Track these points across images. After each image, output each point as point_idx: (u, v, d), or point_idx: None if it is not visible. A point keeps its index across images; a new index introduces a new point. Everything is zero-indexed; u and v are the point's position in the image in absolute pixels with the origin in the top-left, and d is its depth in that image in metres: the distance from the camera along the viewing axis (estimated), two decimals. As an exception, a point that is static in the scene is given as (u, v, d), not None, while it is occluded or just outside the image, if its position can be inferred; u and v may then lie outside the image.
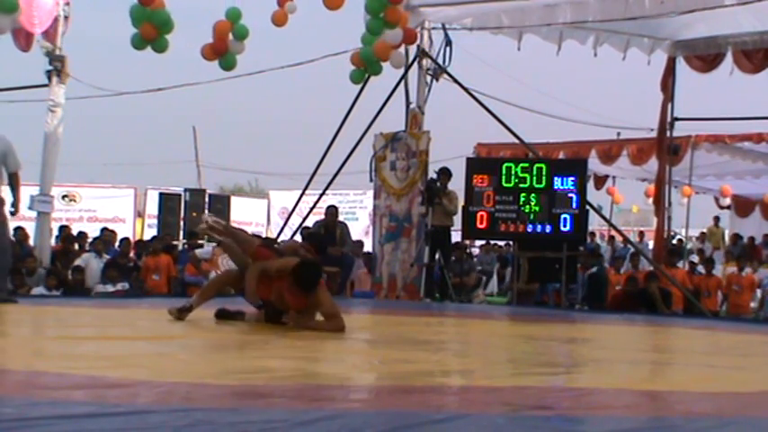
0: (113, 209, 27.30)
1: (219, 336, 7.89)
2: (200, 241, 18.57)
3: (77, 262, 15.41)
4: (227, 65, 13.68)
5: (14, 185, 10.27)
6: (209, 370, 5.80)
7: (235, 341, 7.58)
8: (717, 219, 27.72)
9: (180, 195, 24.90)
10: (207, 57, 13.88)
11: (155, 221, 25.11)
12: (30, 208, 15.47)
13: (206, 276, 15.11)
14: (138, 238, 22.99)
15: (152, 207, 26.24)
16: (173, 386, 5.00)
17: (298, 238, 17.58)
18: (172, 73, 19.39)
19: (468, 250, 19.94)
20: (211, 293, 8.98)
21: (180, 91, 18.25)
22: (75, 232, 18.71)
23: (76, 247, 17.18)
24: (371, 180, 15.98)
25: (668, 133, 17.06)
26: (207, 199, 25.28)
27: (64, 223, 20.48)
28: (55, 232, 17.82)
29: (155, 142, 66.88)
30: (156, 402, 4.49)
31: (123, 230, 23.07)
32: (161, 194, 25.10)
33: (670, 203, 18.03)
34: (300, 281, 8.03)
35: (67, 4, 14.91)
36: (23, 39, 14.28)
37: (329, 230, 15.12)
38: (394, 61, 14.10)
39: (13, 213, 10.46)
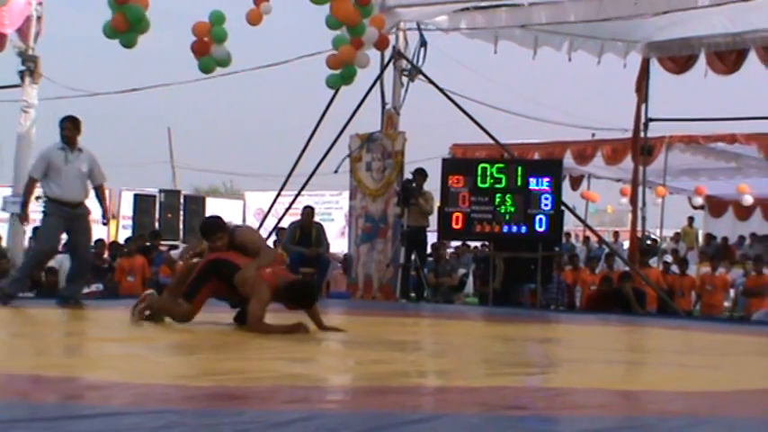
0: (87, 209, 27.05)
1: (194, 337, 7.86)
2: (174, 242, 18.57)
3: (51, 263, 15.31)
4: (206, 67, 13.61)
5: (101, 197, 10.95)
6: (184, 371, 5.78)
7: (210, 342, 7.55)
8: (691, 219, 27.87)
9: (155, 196, 24.80)
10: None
11: (129, 222, 25.01)
12: (2, 209, 15.39)
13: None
14: (112, 239, 22.86)
15: (126, 208, 26.09)
16: (147, 388, 4.98)
17: (273, 238, 17.61)
18: (147, 74, 19.36)
19: (454, 251, 19.98)
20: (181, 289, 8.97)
21: (155, 92, 18.23)
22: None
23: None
24: (336, 171, 15.98)
25: (642, 134, 17.14)
26: (182, 200, 25.19)
27: (37, 224, 20.32)
28: (28, 234, 17.69)
29: (129, 143, 66.67)
30: (131, 404, 4.47)
31: (98, 232, 22.90)
32: (136, 195, 24.99)
33: (644, 204, 18.11)
34: (298, 301, 8.15)
35: (40, 3, 14.84)
36: (-5, 39, 14.21)
37: (305, 231, 15.10)
38: (359, 61, 14.09)
39: (104, 224, 11.44)
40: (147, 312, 8.49)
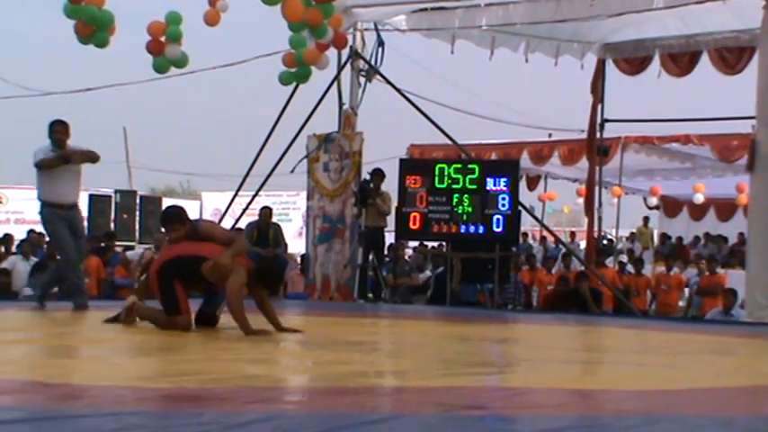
0: (41, 211, 26.83)
1: (150, 338, 7.81)
2: (130, 243, 18.44)
3: (4, 264, 15.20)
4: (160, 67, 13.54)
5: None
6: (141, 373, 5.74)
7: (166, 344, 7.50)
8: (646, 219, 28.12)
9: (111, 197, 24.67)
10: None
11: (85, 223, 24.73)
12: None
13: (136, 279, 14.97)
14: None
15: (82, 208, 25.83)
16: (103, 390, 4.94)
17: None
18: (102, 73, 19.18)
19: (415, 251, 19.95)
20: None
21: (110, 91, 18.08)
22: (1, 234, 18.41)
23: (2, 249, 16.91)
24: (292, 171, 15.98)
25: (598, 134, 17.26)
26: (138, 200, 25.07)
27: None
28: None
29: (84, 143, 65.98)
30: (87, 406, 4.43)
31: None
32: (91, 196, 24.75)
33: (600, 204, 18.25)
34: (268, 284, 8.19)
35: (-6, 3, 14.69)
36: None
37: (262, 231, 15.06)
38: (321, 64, 14.08)
39: None
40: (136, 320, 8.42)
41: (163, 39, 13.41)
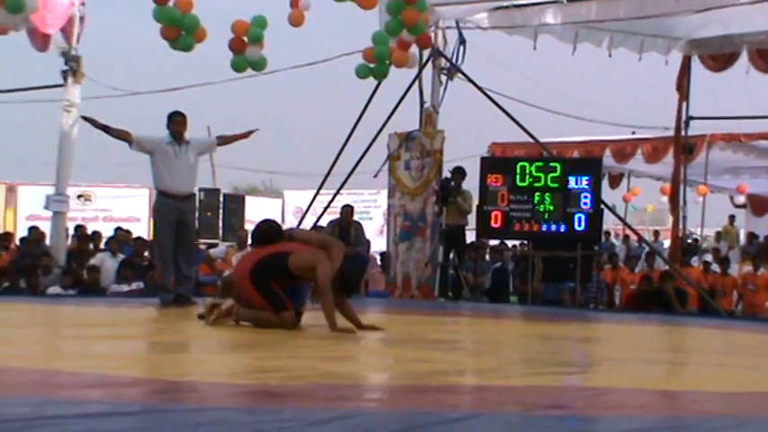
0: (128, 208, 27.36)
1: (234, 335, 7.91)
2: (214, 241, 18.64)
3: (92, 261, 15.46)
4: (238, 66, 13.67)
5: (233, 137, 11.37)
6: (224, 369, 5.81)
7: (249, 341, 7.59)
8: (732, 217, 27.64)
9: (194, 195, 24.93)
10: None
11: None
12: (45, 207, 15.55)
13: (220, 275, 15.15)
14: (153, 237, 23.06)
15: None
16: (187, 385, 5.02)
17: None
18: (187, 73, 19.42)
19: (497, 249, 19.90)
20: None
21: (195, 91, 18.31)
22: (90, 232, 18.76)
23: (91, 246, 17.23)
24: (375, 176, 16.04)
25: (683, 132, 17.04)
26: (221, 198, 25.35)
27: (79, 223, 20.54)
28: (71, 232, 17.88)
29: (170, 142, 66.88)
30: (171, 401, 4.51)
31: (138, 230, 23.15)
32: (176, 194, 25.11)
33: (685, 202, 18.01)
34: (345, 285, 8.18)
35: (83, 4, 14.98)
36: (39, 39, 14.35)
37: (344, 229, 15.14)
38: (410, 63, 14.10)
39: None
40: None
41: (245, 38, 13.54)
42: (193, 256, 11.52)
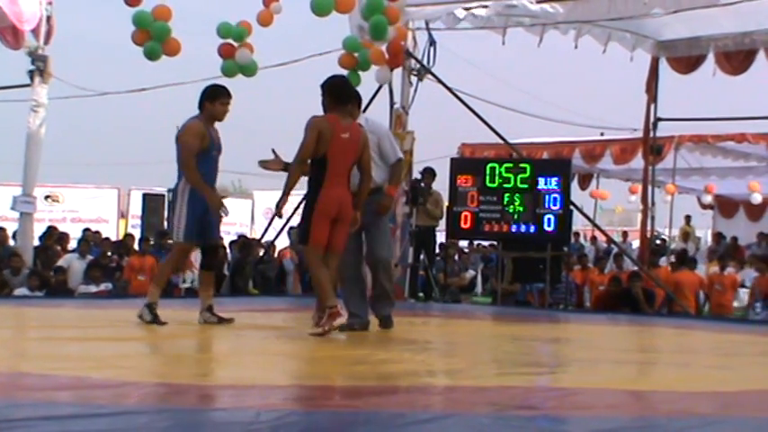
0: (97, 209, 27.18)
1: (205, 336, 7.90)
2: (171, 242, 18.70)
3: (60, 263, 15.38)
4: (229, 71, 13.44)
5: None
6: (194, 371, 5.80)
7: (219, 344, 7.59)
8: (688, 217, 27.74)
9: (163, 196, 24.83)
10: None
11: (138, 222, 25.05)
12: (12, 208, 15.42)
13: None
14: (121, 238, 22.95)
15: (135, 207, 26.16)
16: (157, 387, 5.01)
17: (284, 238, 17.63)
18: (156, 73, 19.33)
19: (464, 251, 19.97)
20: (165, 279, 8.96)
21: (163, 91, 18.18)
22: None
23: (59, 248, 17.13)
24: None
25: (652, 133, 17.14)
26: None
27: (47, 224, 20.39)
28: (38, 233, 17.76)
29: (138, 142, 66.72)
30: (141, 403, 4.49)
31: (107, 231, 23.00)
32: (144, 195, 25.04)
33: (654, 203, 18.10)
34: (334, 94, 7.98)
35: (50, 3, 14.86)
36: (11, 36, 14.24)
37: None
38: (379, 76, 14.03)
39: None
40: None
41: (235, 42, 13.40)
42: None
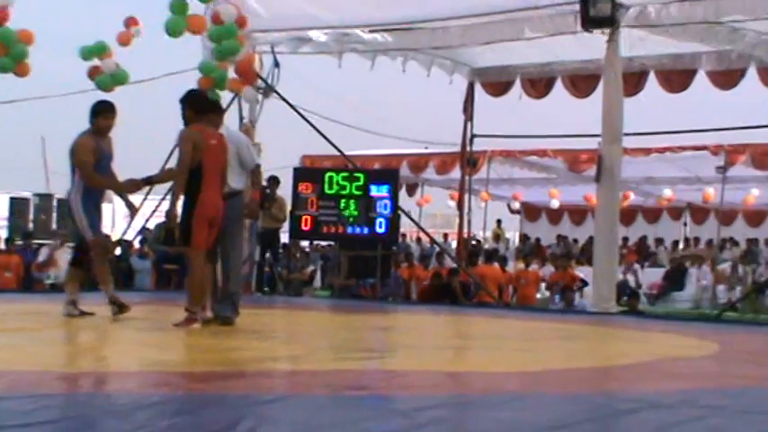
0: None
1: (70, 330, 7.66)
2: (48, 241, 18.24)
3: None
4: (104, 85, 12.87)
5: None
6: (58, 360, 5.62)
7: (83, 334, 7.37)
8: (499, 221, 28.38)
9: (29, 199, 24.24)
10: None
11: (5, 223, 24.39)
12: None
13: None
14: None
15: (2, 209, 25.36)
16: (21, 375, 4.82)
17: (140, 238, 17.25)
18: (24, 87, 18.61)
19: (304, 250, 19.93)
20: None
21: (30, 104, 17.50)
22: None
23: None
24: None
25: (468, 148, 17.44)
26: (54, 203, 24.61)
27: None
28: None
29: (5, 150, 64.08)
30: (6, 390, 4.32)
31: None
32: (11, 198, 24.38)
33: (470, 208, 18.44)
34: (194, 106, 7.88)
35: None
36: None
37: (169, 231, 14.81)
38: (247, 95, 13.84)
39: None
40: None
41: (98, 60, 12.90)
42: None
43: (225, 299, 8.18)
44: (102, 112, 8.44)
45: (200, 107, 7.93)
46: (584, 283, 15.83)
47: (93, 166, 8.29)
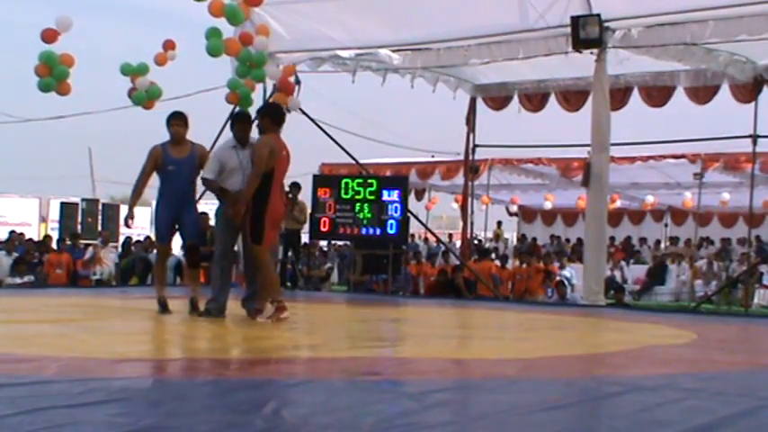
0: (21, 215, 26.47)
1: (115, 321, 7.68)
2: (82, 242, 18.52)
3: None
4: (139, 101, 12.90)
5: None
6: (104, 348, 5.63)
7: (126, 325, 7.39)
8: (499, 223, 28.34)
9: (77, 204, 24.41)
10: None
11: (56, 225, 24.62)
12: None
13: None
14: (41, 238, 22.19)
15: (54, 213, 25.61)
16: (71, 360, 4.85)
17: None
18: (72, 103, 18.70)
19: (323, 249, 19.92)
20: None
21: (79, 117, 17.59)
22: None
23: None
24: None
25: (471, 156, 17.43)
26: (100, 207, 24.81)
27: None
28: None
29: (57, 160, 64.42)
30: (58, 374, 4.34)
31: (29, 233, 22.30)
32: (61, 203, 24.60)
33: (472, 211, 18.41)
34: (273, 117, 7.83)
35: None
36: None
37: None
38: (293, 105, 13.86)
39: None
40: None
41: (134, 79, 12.94)
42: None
43: (254, 294, 8.19)
44: (171, 119, 8.17)
45: (277, 119, 7.87)
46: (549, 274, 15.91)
47: (149, 172, 8.14)
